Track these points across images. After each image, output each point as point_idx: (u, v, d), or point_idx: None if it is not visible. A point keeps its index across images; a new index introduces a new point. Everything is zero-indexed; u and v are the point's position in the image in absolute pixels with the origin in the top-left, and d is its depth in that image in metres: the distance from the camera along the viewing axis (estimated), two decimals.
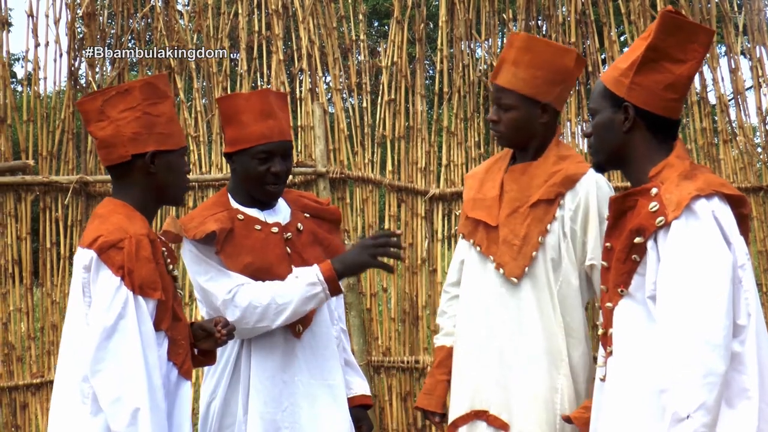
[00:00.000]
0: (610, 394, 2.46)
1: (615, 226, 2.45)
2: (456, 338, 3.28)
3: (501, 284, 3.13)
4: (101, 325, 2.54)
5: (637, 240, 2.35)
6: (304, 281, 3.01)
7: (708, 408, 2.20)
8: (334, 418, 3.13)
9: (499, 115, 3.16)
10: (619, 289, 2.42)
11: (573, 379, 3.10)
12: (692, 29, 2.42)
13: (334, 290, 3.04)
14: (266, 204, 3.19)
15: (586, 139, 2.60)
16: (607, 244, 2.48)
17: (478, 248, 3.20)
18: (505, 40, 5.43)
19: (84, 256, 2.62)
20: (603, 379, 2.52)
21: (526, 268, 3.09)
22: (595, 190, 3.12)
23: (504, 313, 3.12)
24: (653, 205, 2.32)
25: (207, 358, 2.94)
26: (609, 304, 2.47)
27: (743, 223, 2.39)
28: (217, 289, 3.02)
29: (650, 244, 2.34)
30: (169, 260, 2.75)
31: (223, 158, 5.12)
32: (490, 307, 3.15)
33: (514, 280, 3.09)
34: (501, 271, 3.12)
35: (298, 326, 3.10)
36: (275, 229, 3.13)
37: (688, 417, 2.20)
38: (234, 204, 3.17)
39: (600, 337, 2.56)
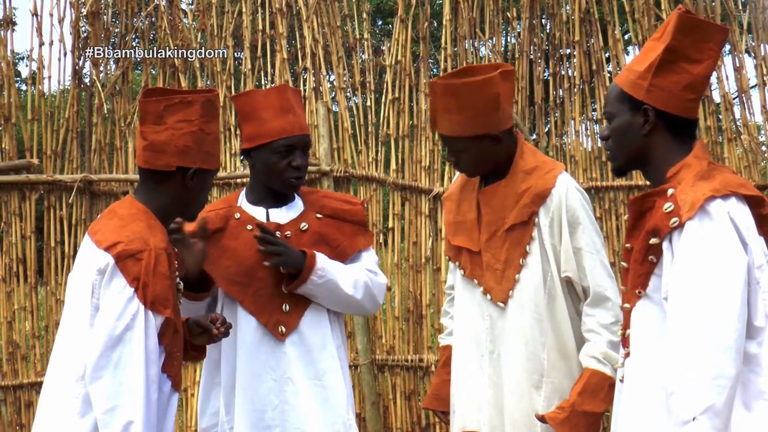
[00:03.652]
0: (627, 395, 2.46)
1: (634, 227, 2.44)
2: (456, 354, 3.28)
3: (488, 307, 3.14)
4: (107, 333, 2.52)
5: (653, 241, 2.35)
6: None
7: (716, 411, 2.18)
8: (325, 419, 3.12)
9: (456, 157, 3.15)
10: (637, 291, 2.42)
11: (559, 395, 3.10)
12: (707, 28, 2.41)
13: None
14: (278, 203, 3.19)
15: (604, 141, 2.57)
16: (627, 245, 2.47)
17: (463, 272, 3.19)
18: (509, 39, 5.44)
19: (99, 257, 2.59)
20: (621, 380, 2.52)
21: (511, 291, 3.09)
22: (564, 200, 3.08)
23: (492, 335, 3.13)
24: (668, 206, 2.32)
25: (199, 353, 2.96)
26: (627, 305, 2.47)
27: (764, 223, 2.37)
28: None
29: (665, 245, 2.33)
30: (177, 273, 2.75)
31: (226, 157, 5.13)
32: (480, 330, 3.16)
33: (501, 305, 3.10)
34: (488, 296, 3.12)
35: (281, 328, 3.10)
36: None
37: (693, 419, 2.18)
38: (241, 202, 3.18)
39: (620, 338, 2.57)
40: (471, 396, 3.16)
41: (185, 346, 2.86)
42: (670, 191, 2.34)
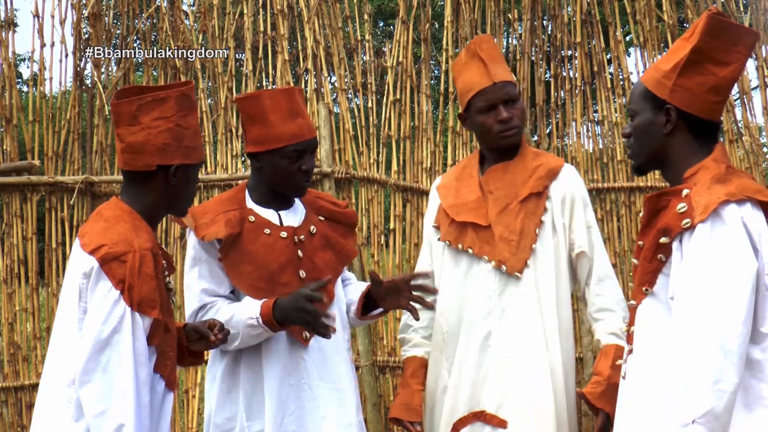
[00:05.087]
0: (630, 392, 2.46)
1: (648, 225, 2.44)
2: (445, 343, 3.27)
3: (500, 281, 3.15)
4: (95, 337, 2.52)
5: (663, 240, 2.35)
6: (245, 317, 2.98)
7: (715, 415, 2.18)
8: (340, 422, 3.12)
9: (510, 112, 3.19)
10: (644, 288, 2.42)
11: (564, 370, 3.14)
12: (737, 31, 2.39)
13: (276, 329, 3.00)
14: (283, 204, 3.19)
15: (625, 139, 2.57)
16: (640, 242, 2.48)
17: (471, 250, 3.20)
18: (510, 41, 5.44)
19: (84, 261, 2.59)
20: (623, 377, 2.52)
21: (528, 261, 3.12)
22: (574, 180, 3.22)
23: (505, 309, 3.14)
24: (681, 206, 2.31)
25: (196, 358, 2.95)
26: (633, 302, 2.48)
27: None
28: (187, 303, 3.11)
29: (675, 245, 2.33)
30: (167, 272, 2.73)
31: (227, 159, 5.13)
32: (490, 307, 3.16)
33: (518, 274, 3.12)
34: (503, 268, 3.13)
35: (305, 333, 3.10)
36: (284, 234, 3.12)
37: (693, 422, 2.18)
38: (249, 203, 3.16)
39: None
40: (476, 377, 3.17)
41: (181, 351, 2.85)
42: (685, 192, 2.34)
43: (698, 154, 2.41)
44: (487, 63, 3.19)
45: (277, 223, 3.15)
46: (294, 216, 3.19)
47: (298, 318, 2.94)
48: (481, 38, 3.28)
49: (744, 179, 2.37)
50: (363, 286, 3.27)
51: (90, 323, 2.54)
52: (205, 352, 3.08)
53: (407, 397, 3.33)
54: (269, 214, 3.15)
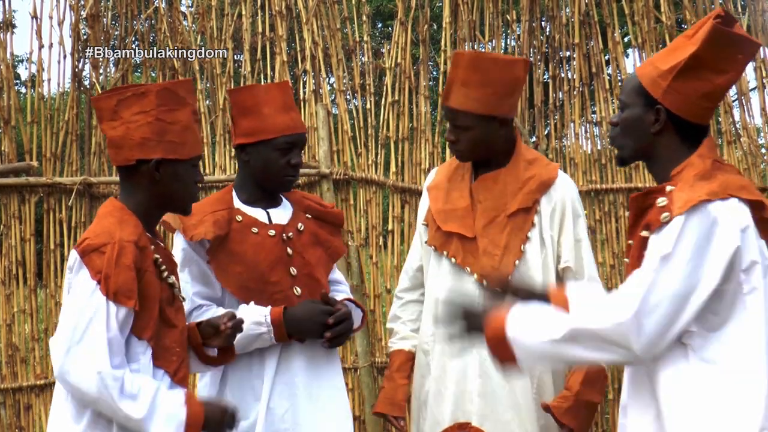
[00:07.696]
0: (627, 394, 2.48)
1: (635, 224, 2.45)
2: (429, 346, 3.27)
3: (482, 293, 3.13)
4: (72, 327, 2.54)
5: (644, 233, 2.36)
6: (251, 319, 2.98)
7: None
8: (335, 419, 3.12)
9: (457, 135, 3.14)
10: None
11: (553, 382, 3.14)
12: (740, 42, 2.38)
13: (280, 337, 3.01)
14: (271, 203, 3.19)
15: (612, 126, 2.55)
16: (630, 241, 2.49)
17: (453, 260, 3.18)
18: (508, 42, 5.44)
19: (71, 256, 2.63)
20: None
21: (510, 277, 3.10)
22: (566, 192, 3.16)
23: None
24: (661, 200, 2.32)
25: (225, 356, 2.92)
26: None
27: (765, 227, 2.36)
28: None
29: (653, 237, 2.34)
30: (164, 267, 2.71)
31: (227, 159, 5.12)
32: None
33: (498, 291, 3.11)
34: (485, 282, 3.11)
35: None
36: (272, 232, 3.11)
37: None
38: (237, 203, 3.16)
39: None
40: (459, 388, 3.16)
41: (198, 350, 2.84)
42: (668, 188, 2.35)
43: (686, 153, 2.42)
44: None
45: (265, 221, 3.14)
46: (282, 213, 3.19)
47: (311, 330, 2.98)
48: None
49: (729, 175, 2.36)
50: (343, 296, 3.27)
51: (68, 313, 2.57)
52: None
53: (391, 391, 3.34)
54: (257, 213, 3.15)
